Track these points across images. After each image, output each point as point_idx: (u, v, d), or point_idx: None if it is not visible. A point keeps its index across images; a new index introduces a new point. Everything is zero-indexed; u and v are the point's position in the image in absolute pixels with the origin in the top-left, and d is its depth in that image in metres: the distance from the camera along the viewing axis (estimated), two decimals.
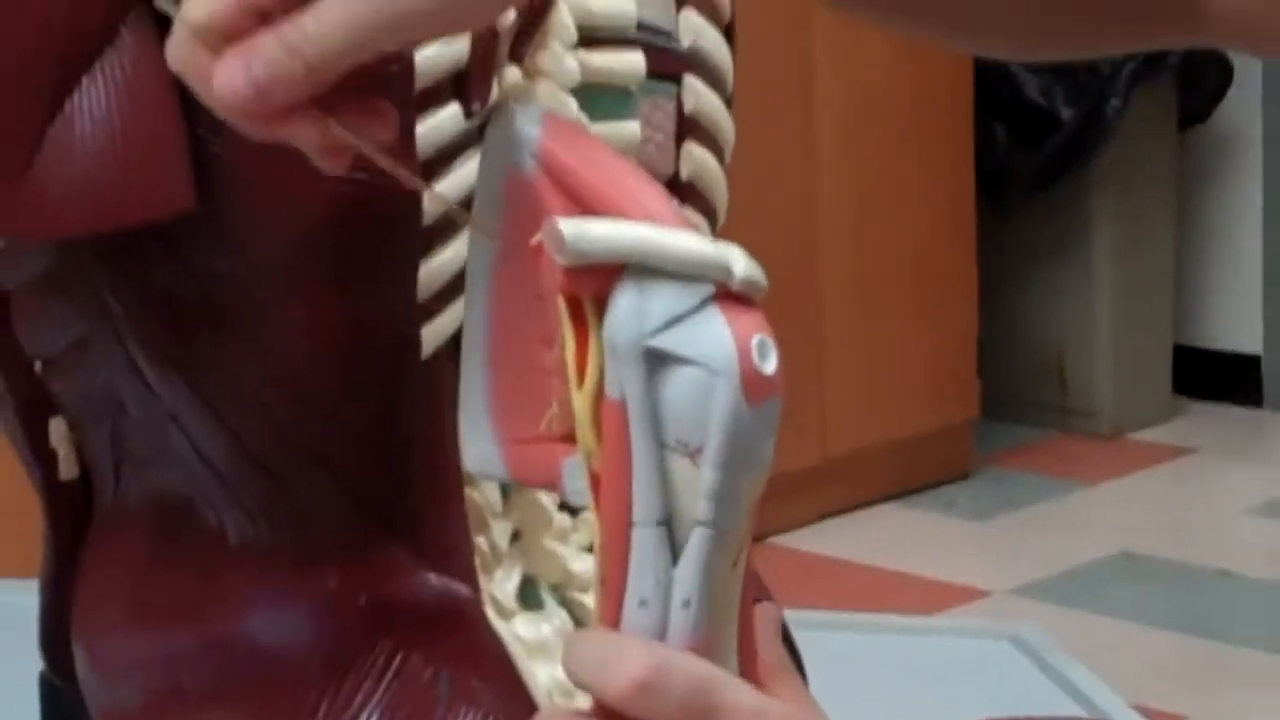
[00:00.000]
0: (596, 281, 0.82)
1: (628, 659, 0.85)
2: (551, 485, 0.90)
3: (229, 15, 0.84)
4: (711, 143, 1.12)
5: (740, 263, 0.83)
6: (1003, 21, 1.16)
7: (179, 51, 0.86)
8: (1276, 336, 5.57)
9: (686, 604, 0.85)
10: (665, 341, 0.82)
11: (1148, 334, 5.56)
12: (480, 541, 1.09)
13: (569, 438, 0.87)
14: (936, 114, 5.14)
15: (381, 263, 1.02)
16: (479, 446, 0.92)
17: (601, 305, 0.83)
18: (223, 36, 0.84)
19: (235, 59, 0.83)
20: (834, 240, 5.00)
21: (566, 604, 1.13)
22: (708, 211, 1.12)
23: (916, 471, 5.21)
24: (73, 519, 1.12)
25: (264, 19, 0.84)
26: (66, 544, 1.12)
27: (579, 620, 1.12)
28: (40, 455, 1.10)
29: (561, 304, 0.84)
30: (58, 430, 1.10)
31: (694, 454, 0.83)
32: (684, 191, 1.11)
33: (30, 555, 1.17)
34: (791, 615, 1.17)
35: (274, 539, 1.05)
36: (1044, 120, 5.27)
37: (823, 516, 5.02)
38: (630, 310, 0.82)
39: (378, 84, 0.90)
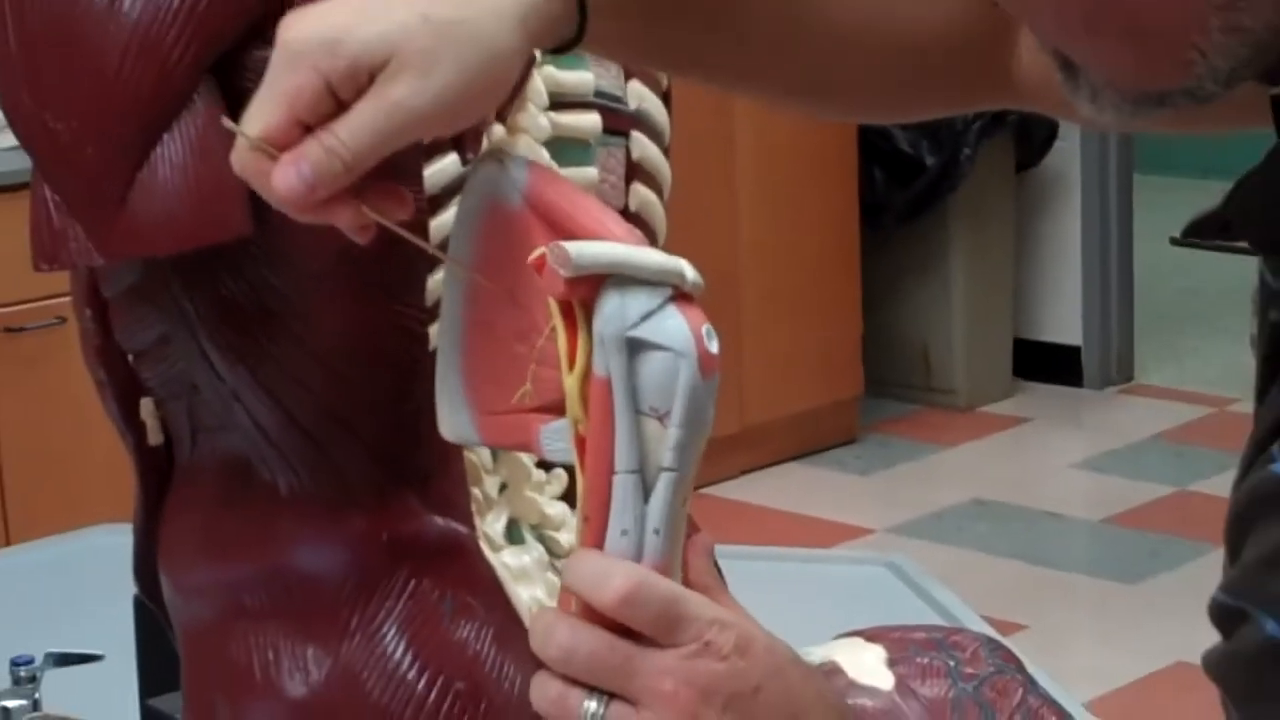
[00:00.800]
0: (586, 288, 0.84)
1: (614, 574, 0.86)
2: (524, 447, 0.90)
3: (279, 128, 0.85)
4: (653, 183, 1.12)
5: (689, 271, 0.85)
6: (843, 91, 1.14)
7: (240, 159, 0.87)
8: (1092, 332, 5.61)
9: (656, 532, 0.86)
10: (641, 332, 0.84)
11: (993, 330, 5.58)
12: (475, 491, 1.09)
13: (543, 409, 0.88)
14: (829, 161, 5.16)
15: (396, 276, 1.02)
16: (455, 417, 0.92)
17: (588, 307, 0.84)
18: (275, 145, 0.85)
19: (288, 164, 0.84)
20: (750, 259, 5.02)
21: (543, 539, 1.13)
22: (651, 235, 1.12)
23: (814, 437, 5.23)
24: (158, 476, 1.12)
25: (305, 130, 0.85)
26: (153, 495, 1.12)
27: (553, 552, 1.12)
28: (133, 426, 1.10)
29: (555, 307, 0.85)
30: (146, 407, 1.09)
31: (663, 417, 0.85)
32: (632, 220, 1.11)
33: (123, 505, 1.17)
34: (718, 549, 1.17)
35: (315, 490, 1.05)
36: (912, 166, 5.29)
37: (743, 472, 5.04)
38: (615, 309, 0.83)
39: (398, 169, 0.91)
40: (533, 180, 0.88)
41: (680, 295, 0.85)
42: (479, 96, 0.88)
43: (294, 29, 0.86)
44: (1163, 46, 0.74)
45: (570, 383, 0.86)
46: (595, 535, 0.87)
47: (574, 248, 0.83)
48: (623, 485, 0.85)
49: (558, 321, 0.85)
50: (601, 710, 0.86)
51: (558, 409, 0.87)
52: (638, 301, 0.84)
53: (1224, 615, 0.69)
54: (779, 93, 1.14)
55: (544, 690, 0.88)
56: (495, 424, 0.91)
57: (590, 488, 0.86)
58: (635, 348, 0.84)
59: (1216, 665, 0.70)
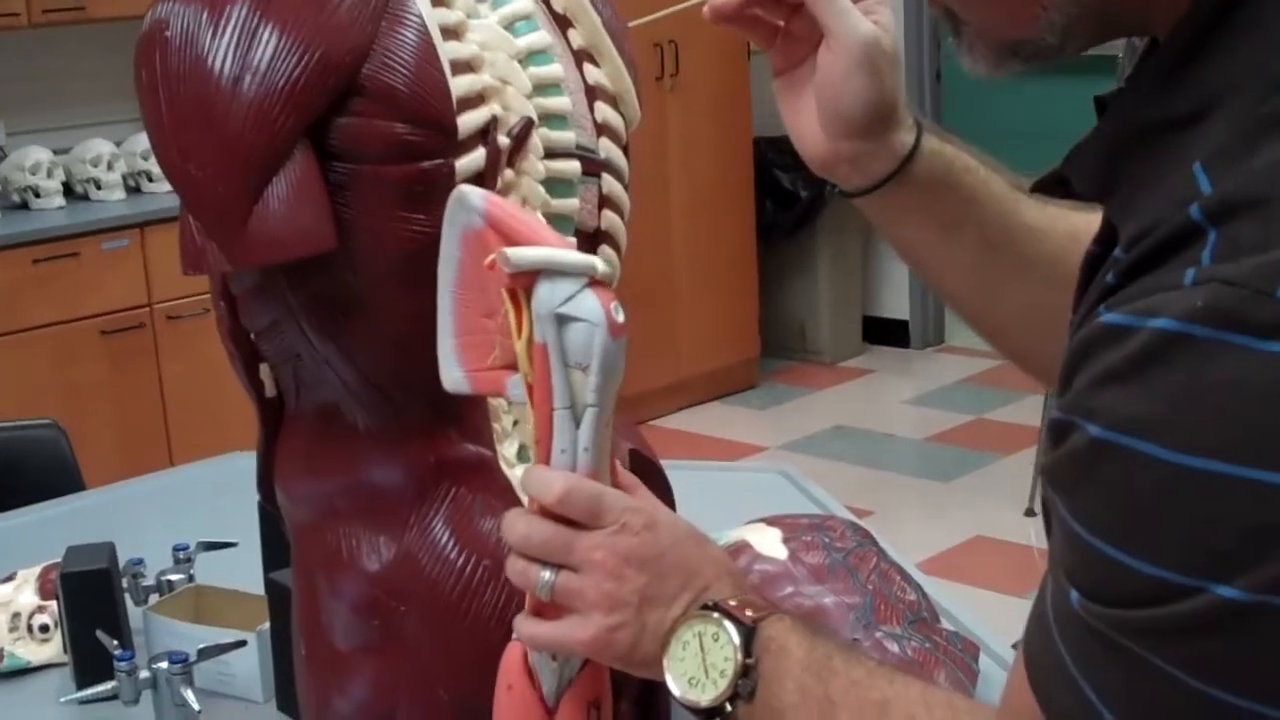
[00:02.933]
0: (526, 280, 0.83)
1: (554, 481, 0.86)
2: (498, 394, 0.90)
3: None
4: (618, 210, 1.10)
5: (600, 264, 0.84)
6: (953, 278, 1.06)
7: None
8: (916, 309, 5.65)
9: (585, 450, 0.86)
10: (566, 309, 0.83)
11: (848, 309, 5.60)
12: (496, 425, 1.07)
13: (508, 366, 0.87)
14: (735, 195, 5.17)
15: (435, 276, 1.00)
16: (451, 373, 0.91)
17: (529, 293, 0.84)
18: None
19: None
20: (682, 263, 5.02)
21: None
22: (616, 246, 1.10)
23: (728, 384, 5.24)
24: (273, 418, 1.10)
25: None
26: (270, 432, 1.10)
27: None
28: (255, 384, 1.08)
29: (505, 294, 0.85)
30: (264, 370, 1.07)
31: (585, 369, 0.84)
32: (603, 236, 1.09)
33: (249, 438, 1.15)
34: (664, 463, 1.16)
35: (384, 426, 1.03)
36: (792, 197, 5.29)
37: (679, 409, 5.04)
38: (546, 294, 0.83)
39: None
40: (489, 207, 0.87)
41: (595, 282, 0.84)
42: None
43: None
44: (1017, 3, 0.73)
45: (519, 347, 0.85)
46: (544, 455, 0.86)
47: (511, 252, 0.83)
48: (560, 418, 0.85)
49: (508, 304, 0.85)
50: (553, 578, 0.86)
51: (517, 366, 0.87)
52: (562, 288, 0.83)
53: (1059, 429, 0.66)
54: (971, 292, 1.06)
55: (513, 567, 0.88)
56: (478, 378, 0.90)
57: (538, 421, 0.86)
58: (562, 320, 0.83)
59: (1050, 467, 0.67)
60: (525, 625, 0.89)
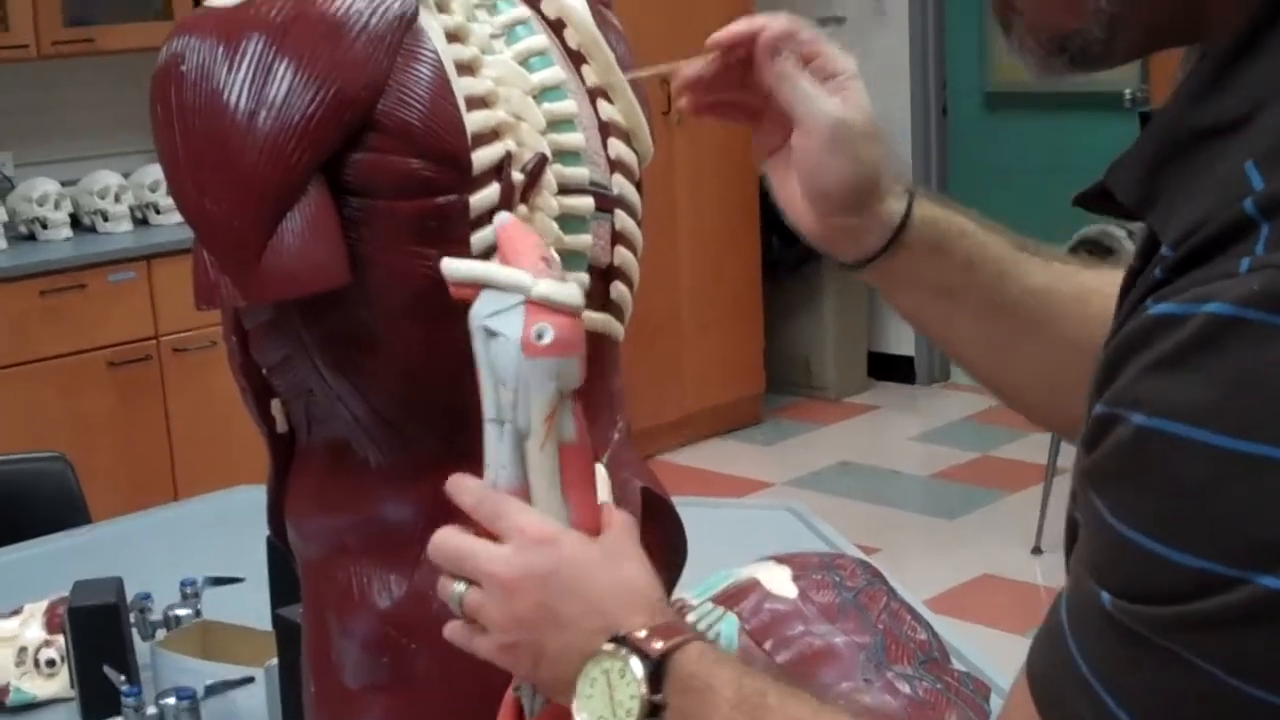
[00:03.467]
0: (470, 292, 0.87)
1: (464, 491, 0.89)
2: None
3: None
4: (630, 245, 1.10)
5: (540, 285, 0.85)
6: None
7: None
8: (921, 345, 5.64)
9: (504, 467, 0.87)
10: (490, 323, 0.86)
11: (853, 345, 5.59)
12: None
13: None
14: (741, 230, 5.18)
15: (450, 311, 0.99)
16: None
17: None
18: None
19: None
20: (688, 298, 5.02)
21: None
22: (628, 282, 1.09)
23: (733, 419, 5.24)
24: (284, 453, 1.09)
25: None
26: (281, 466, 1.09)
27: None
28: (266, 419, 1.07)
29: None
30: (275, 405, 1.07)
31: (505, 384, 0.85)
32: (615, 273, 1.08)
33: (259, 472, 1.14)
34: (675, 499, 1.15)
35: (395, 462, 1.03)
36: (797, 233, 5.29)
37: (682, 445, 5.03)
38: (478, 307, 0.86)
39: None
40: (499, 229, 0.89)
41: (530, 302, 0.85)
42: None
43: None
44: None
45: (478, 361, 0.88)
46: (483, 467, 0.89)
47: (448, 264, 0.87)
48: (488, 430, 0.88)
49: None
50: (464, 590, 0.88)
51: None
52: (492, 302, 0.85)
53: (1100, 425, 0.64)
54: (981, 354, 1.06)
55: (440, 582, 0.90)
56: None
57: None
58: (489, 334, 0.85)
59: (1089, 467, 0.65)
60: (447, 627, 0.90)
